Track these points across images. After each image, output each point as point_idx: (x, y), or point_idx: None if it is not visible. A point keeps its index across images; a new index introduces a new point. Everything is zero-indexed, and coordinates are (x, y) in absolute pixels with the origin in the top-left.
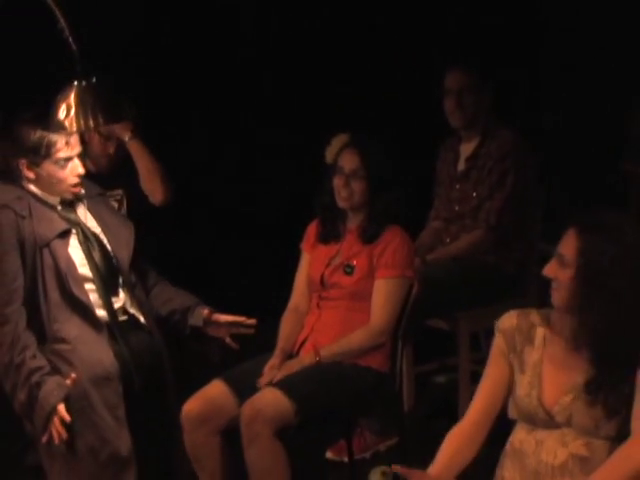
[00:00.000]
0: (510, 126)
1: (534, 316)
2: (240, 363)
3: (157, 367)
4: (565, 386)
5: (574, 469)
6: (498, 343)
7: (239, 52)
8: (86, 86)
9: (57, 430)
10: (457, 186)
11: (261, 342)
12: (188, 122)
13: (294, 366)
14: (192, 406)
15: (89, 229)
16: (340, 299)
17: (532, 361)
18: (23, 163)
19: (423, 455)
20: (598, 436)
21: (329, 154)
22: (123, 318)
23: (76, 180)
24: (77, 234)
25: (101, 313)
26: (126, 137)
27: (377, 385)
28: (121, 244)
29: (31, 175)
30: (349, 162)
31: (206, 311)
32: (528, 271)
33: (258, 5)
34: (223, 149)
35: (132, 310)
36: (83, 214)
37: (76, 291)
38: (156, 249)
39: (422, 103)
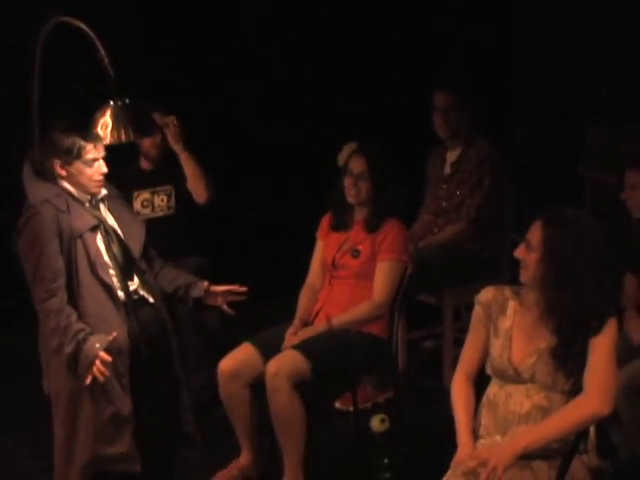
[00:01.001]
0: (487, 138)
1: (507, 291)
2: (266, 329)
3: (161, 336)
4: (530, 349)
5: (536, 417)
6: (477, 312)
7: (257, 71)
8: (120, 106)
9: (100, 370)
10: (444, 186)
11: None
12: (217, 135)
13: (310, 332)
14: (226, 364)
15: (110, 225)
16: (348, 278)
17: (504, 328)
18: (57, 162)
19: (414, 404)
20: (556, 390)
21: (341, 158)
22: (135, 297)
23: (100, 178)
24: (100, 229)
25: (120, 294)
26: (178, 150)
27: (377, 348)
28: (134, 238)
29: (63, 173)
30: (357, 166)
31: (205, 284)
32: (501, 256)
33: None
34: (252, 158)
35: (142, 291)
36: (104, 212)
37: (102, 275)
38: (202, 236)
39: (416, 118)
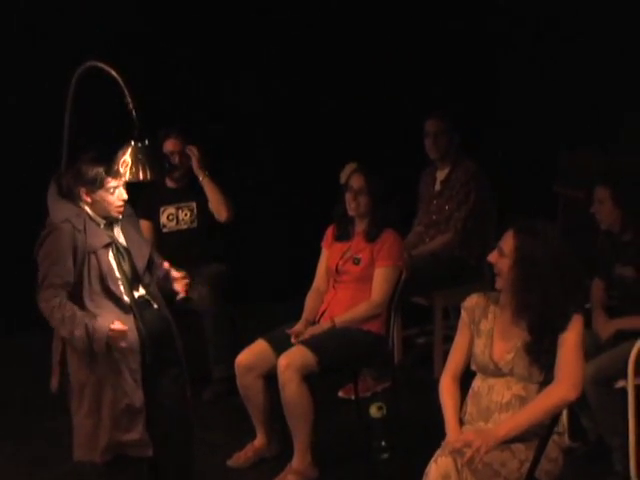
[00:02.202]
0: (472, 159)
1: (488, 297)
2: (278, 327)
3: (166, 334)
4: (508, 347)
5: (515, 405)
6: (463, 317)
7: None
8: (140, 147)
9: (118, 337)
10: (434, 202)
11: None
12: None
13: (315, 330)
14: (242, 358)
15: (121, 244)
16: (350, 282)
17: (486, 329)
18: (83, 190)
19: (408, 393)
20: (532, 382)
21: (343, 176)
22: (141, 301)
23: (121, 203)
24: (112, 248)
25: (126, 299)
26: (200, 177)
27: (376, 344)
28: (139, 256)
29: (88, 199)
30: (357, 182)
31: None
32: (485, 262)
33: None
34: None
35: (148, 297)
36: (117, 232)
37: (112, 287)
38: (222, 246)
39: (409, 142)
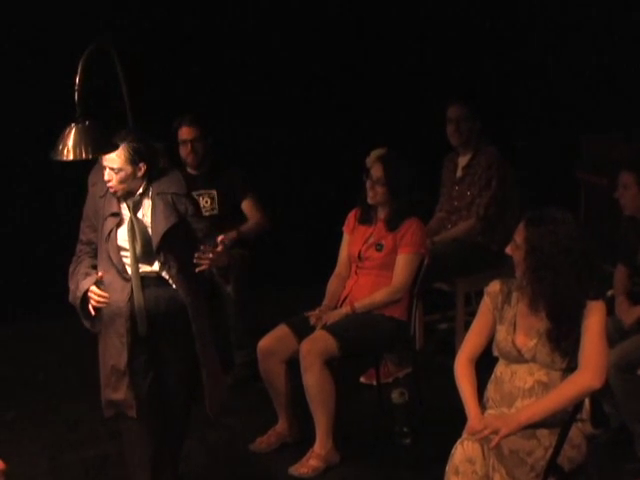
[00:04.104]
0: (494, 145)
1: (511, 284)
2: (300, 312)
3: (176, 315)
4: (531, 333)
5: (538, 391)
6: (486, 301)
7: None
8: (81, 127)
9: (94, 299)
10: (456, 187)
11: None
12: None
13: (335, 315)
14: (264, 343)
15: (138, 219)
16: (372, 268)
17: (509, 316)
18: None
19: (429, 380)
20: (554, 368)
21: (368, 162)
22: (154, 276)
23: (107, 184)
24: (128, 221)
25: (129, 270)
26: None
27: (398, 329)
28: (155, 233)
29: None
30: (376, 172)
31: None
32: None
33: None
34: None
35: (164, 274)
36: (148, 205)
37: (111, 253)
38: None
39: (432, 129)
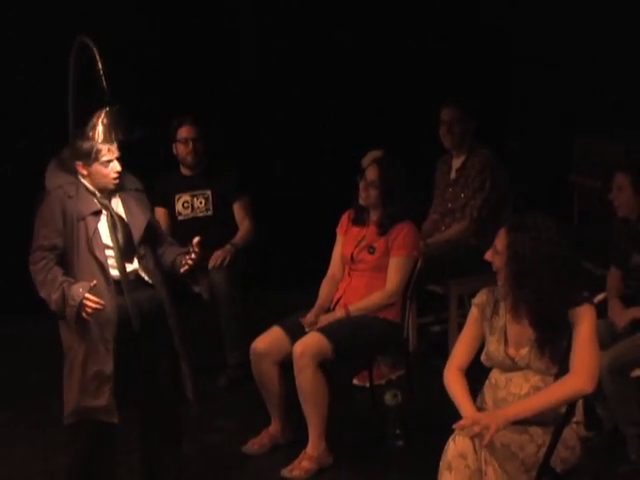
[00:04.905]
0: (488, 147)
1: (497, 293)
2: (293, 314)
3: (157, 313)
4: (522, 342)
5: None
6: (473, 312)
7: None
8: (110, 111)
9: (90, 307)
10: (450, 190)
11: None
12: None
13: (329, 318)
14: (258, 344)
15: (117, 214)
16: (365, 271)
17: (499, 326)
18: (80, 164)
19: (423, 381)
20: (549, 374)
21: (364, 162)
22: (132, 278)
23: (115, 175)
24: (107, 217)
25: (115, 273)
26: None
27: (391, 331)
28: (135, 227)
29: (84, 172)
30: (371, 174)
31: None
32: None
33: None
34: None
35: (142, 273)
36: (116, 203)
37: (97, 253)
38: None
39: (425, 132)
